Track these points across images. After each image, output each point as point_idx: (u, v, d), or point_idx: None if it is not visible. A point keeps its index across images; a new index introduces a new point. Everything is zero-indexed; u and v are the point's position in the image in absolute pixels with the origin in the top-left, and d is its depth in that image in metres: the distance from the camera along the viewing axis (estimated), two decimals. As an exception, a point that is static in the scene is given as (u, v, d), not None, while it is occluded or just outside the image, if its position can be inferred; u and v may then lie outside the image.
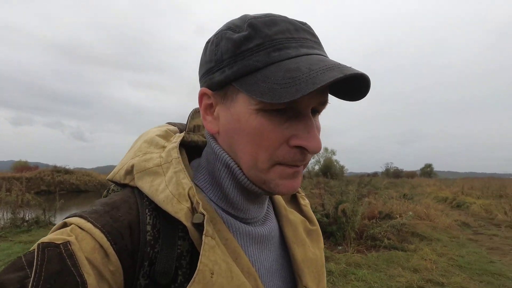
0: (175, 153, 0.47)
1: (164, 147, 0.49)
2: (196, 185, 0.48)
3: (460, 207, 11.45)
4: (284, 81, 0.38)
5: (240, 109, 0.42)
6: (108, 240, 0.37)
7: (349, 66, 0.40)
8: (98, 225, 0.38)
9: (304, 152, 0.43)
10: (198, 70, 0.50)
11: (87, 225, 0.38)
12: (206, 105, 0.47)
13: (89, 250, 0.36)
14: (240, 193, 0.47)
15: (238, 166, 0.45)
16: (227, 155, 0.46)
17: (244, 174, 0.45)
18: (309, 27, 0.45)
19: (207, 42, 0.47)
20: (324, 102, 0.45)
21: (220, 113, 0.46)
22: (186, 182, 0.43)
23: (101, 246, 0.37)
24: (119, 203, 0.42)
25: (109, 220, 0.39)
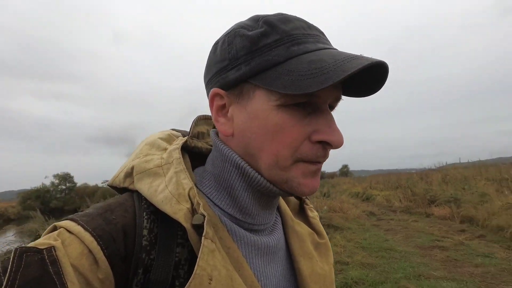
0: (177, 154, 0.45)
1: (165, 149, 0.48)
2: (200, 190, 0.47)
3: (368, 199, 13.30)
4: (310, 72, 0.37)
5: (259, 106, 0.41)
6: (99, 244, 0.35)
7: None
8: (88, 228, 0.36)
9: (326, 147, 0.42)
10: (205, 70, 0.48)
11: (77, 228, 0.36)
12: (218, 107, 0.45)
13: (76, 256, 0.34)
14: (251, 196, 0.45)
15: (251, 167, 0.44)
16: (237, 156, 0.44)
17: (259, 174, 0.43)
18: (317, 27, 0.45)
19: (216, 43, 0.46)
20: (339, 98, 0.44)
21: (235, 113, 0.44)
22: (187, 182, 0.41)
23: (90, 251, 0.35)
24: (114, 206, 0.40)
25: (101, 223, 0.37)
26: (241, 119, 0.43)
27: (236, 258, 0.41)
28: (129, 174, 0.45)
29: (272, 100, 0.40)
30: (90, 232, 0.36)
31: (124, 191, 0.46)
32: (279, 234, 0.50)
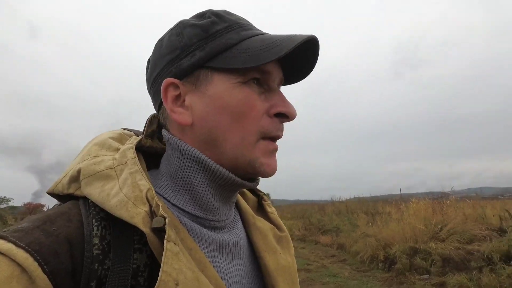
0: (131, 153, 0.43)
1: (118, 149, 0.45)
2: (156, 192, 0.44)
3: (276, 228, 14.38)
4: (264, 47, 0.42)
5: (220, 88, 0.43)
6: (36, 260, 0.31)
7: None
8: (22, 244, 0.32)
9: (282, 121, 0.46)
10: (149, 70, 0.49)
11: (7, 246, 0.31)
12: (173, 97, 0.45)
13: (3, 280, 0.30)
14: (212, 191, 0.45)
15: (211, 159, 0.44)
16: (196, 150, 0.44)
17: (221, 165, 0.44)
18: None
19: (160, 40, 0.48)
20: (282, 80, 0.48)
21: (193, 100, 0.44)
22: (144, 183, 0.39)
23: (23, 270, 0.31)
24: (54, 216, 0.37)
25: (39, 236, 0.33)
26: (202, 105, 0.43)
27: (199, 258, 0.40)
28: (75, 178, 0.42)
29: (233, 79, 0.43)
30: (24, 248, 0.31)
31: (68, 200, 0.42)
32: (239, 231, 0.50)
